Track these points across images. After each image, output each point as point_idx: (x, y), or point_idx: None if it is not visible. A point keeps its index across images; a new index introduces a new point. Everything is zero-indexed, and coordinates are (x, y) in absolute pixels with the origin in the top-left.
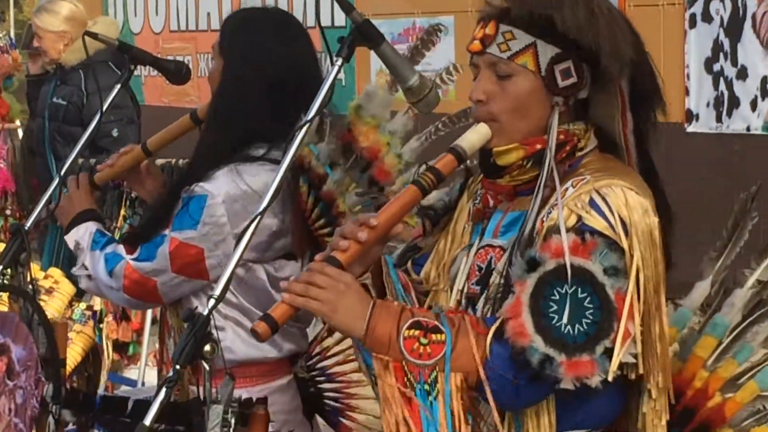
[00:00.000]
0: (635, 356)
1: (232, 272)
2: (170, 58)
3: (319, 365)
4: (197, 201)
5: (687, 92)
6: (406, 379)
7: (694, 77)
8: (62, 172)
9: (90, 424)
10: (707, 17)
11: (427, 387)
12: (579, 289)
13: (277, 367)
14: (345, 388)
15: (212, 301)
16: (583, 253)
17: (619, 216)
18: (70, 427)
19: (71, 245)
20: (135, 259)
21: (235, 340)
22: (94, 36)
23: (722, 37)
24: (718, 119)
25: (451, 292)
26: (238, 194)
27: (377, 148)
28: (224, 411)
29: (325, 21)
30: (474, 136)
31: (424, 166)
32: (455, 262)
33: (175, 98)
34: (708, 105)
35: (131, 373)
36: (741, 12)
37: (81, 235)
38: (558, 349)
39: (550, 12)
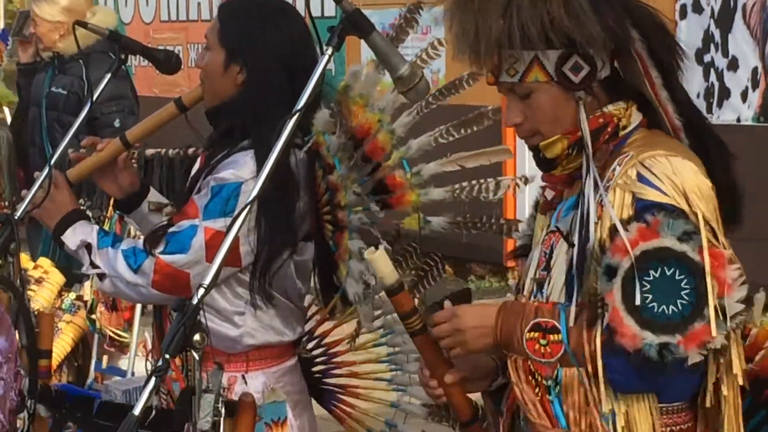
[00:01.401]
0: (745, 300)
1: (223, 260)
2: (161, 48)
3: (324, 350)
4: (230, 188)
5: None
6: (531, 376)
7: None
8: (52, 162)
9: (63, 420)
10: (698, 8)
11: (550, 383)
12: (665, 269)
13: (288, 349)
14: (349, 375)
15: (201, 290)
16: (652, 235)
17: (671, 181)
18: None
19: (72, 246)
20: (165, 253)
21: (255, 325)
22: (83, 25)
23: (713, 27)
24: (709, 110)
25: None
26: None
27: (368, 126)
28: (215, 400)
29: (315, 11)
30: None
31: None
32: (532, 255)
33: (166, 88)
34: (698, 96)
35: (121, 363)
36: (732, 2)
37: (86, 234)
38: (670, 332)
39: (532, 25)
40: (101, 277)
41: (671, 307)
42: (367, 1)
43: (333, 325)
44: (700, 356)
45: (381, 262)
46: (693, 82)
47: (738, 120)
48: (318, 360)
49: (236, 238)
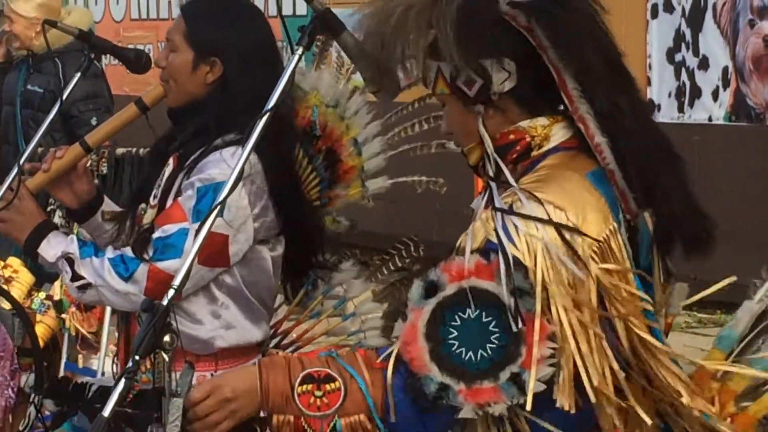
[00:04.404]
0: (547, 381)
1: (192, 261)
2: (131, 46)
3: (287, 346)
4: (219, 187)
5: (649, 82)
6: None
7: (655, 67)
8: (21, 161)
9: (72, 413)
10: (669, 7)
11: None
12: (483, 313)
13: (255, 347)
14: None
15: (172, 291)
16: (486, 274)
17: (526, 232)
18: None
19: (51, 258)
20: (157, 259)
21: (225, 327)
22: (53, 24)
23: (684, 27)
24: (680, 109)
25: None
26: (253, 174)
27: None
28: (185, 406)
29: (287, 10)
30: None
31: None
32: None
33: (136, 87)
34: (670, 95)
35: (92, 362)
36: (702, 2)
37: (65, 245)
38: (456, 377)
39: (423, 38)
40: (84, 287)
41: (472, 353)
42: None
43: (296, 322)
44: (473, 414)
45: None
46: (664, 81)
47: (709, 119)
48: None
49: (225, 239)
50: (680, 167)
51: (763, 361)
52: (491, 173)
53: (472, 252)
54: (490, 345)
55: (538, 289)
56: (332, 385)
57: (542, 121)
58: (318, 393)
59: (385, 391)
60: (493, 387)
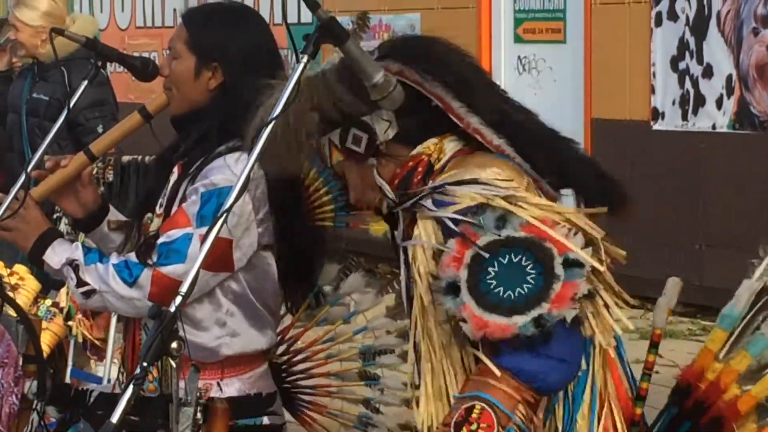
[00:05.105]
0: (586, 244)
1: (199, 269)
2: (136, 54)
3: (295, 358)
4: (224, 193)
5: (653, 90)
6: None
7: (659, 75)
8: (29, 169)
9: (75, 420)
10: (673, 15)
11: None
12: (500, 260)
13: (260, 355)
14: (321, 386)
15: (179, 298)
16: (472, 239)
17: (466, 186)
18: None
19: (56, 265)
20: (161, 264)
21: (231, 335)
22: (60, 33)
23: (688, 35)
24: (684, 117)
25: None
26: (256, 179)
27: None
28: (194, 413)
29: (292, 18)
30: None
31: None
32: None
33: (142, 95)
34: (674, 103)
35: (97, 369)
36: (706, 10)
37: (70, 252)
38: (536, 305)
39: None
40: (89, 293)
41: (524, 285)
42: (343, 7)
43: (303, 329)
44: (575, 310)
45: None
46: (668, 89)
47: (713, 127)
48: (289, 363)
49: (229, 244)
50: (577, 145)
51: (759, 342)
52: (401, 207)
53: (444, 243)
54: (528, 266)
55: (510, 207)
56: (475, 411)
57: (432, 140)
58: (473, 427)
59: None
60: (563, 283)
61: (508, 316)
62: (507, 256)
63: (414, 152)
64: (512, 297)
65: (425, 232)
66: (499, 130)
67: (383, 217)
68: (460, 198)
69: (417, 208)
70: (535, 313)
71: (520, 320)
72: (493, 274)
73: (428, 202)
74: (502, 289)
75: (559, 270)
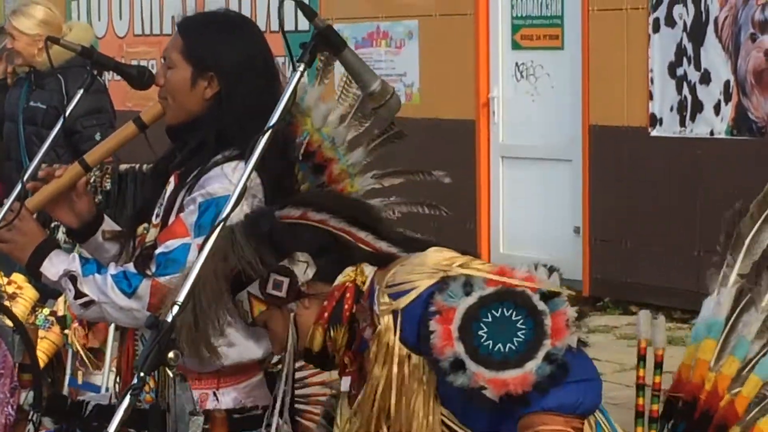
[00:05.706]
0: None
1: (196, 278)
2: (135, 62)
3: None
4: (222, 202)
5: (651, 96)
6: None
7: (657, 81)
8: (25, 178)
9: (72, 431)
10: (670, 22)
11: None
12: (483, 322)
13: (256, 364)
14: (315, 395)
15: (176, 308)
16: (449, 312)
17: (419, 269)
18: None
19: (54, 277)
20: (161, 274)
21: (228, 346)
22: (56, 41)
23: (685, 41)
24: (682, 123)
25: None
26: (253, 188)
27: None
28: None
29: (289, 25)
30: None
31: None
32: None
33: (139, 103)
34: (672, 109)
35: (95, 378)
36: (704, 16)
37: (68, 263)
38: (533, 353)
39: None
40: (87, 304)
41: (519, 333)
42: (340, 14)
43: None
44: (575, 335)
45: None
46: (666, 95)
47: (711, 133)
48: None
49: None
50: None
51: (743, 345)
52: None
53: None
54: (519, 322)
55: (467, 272)
56: None
57: (349, 270)
58: None
59: None
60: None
61: (520, 366)
62: (489, 314)
63: (336, 283)
64: (514, 347)
65: (391, 325)
66: (399, 243)
67: (313, 361)
68: (418, 282)
69: (377, 311)
70: (542, 352)
71: (533, 365)
72: (484, 336)
73: (384, 297)
74: (500, 345)
75: (541, 306)
